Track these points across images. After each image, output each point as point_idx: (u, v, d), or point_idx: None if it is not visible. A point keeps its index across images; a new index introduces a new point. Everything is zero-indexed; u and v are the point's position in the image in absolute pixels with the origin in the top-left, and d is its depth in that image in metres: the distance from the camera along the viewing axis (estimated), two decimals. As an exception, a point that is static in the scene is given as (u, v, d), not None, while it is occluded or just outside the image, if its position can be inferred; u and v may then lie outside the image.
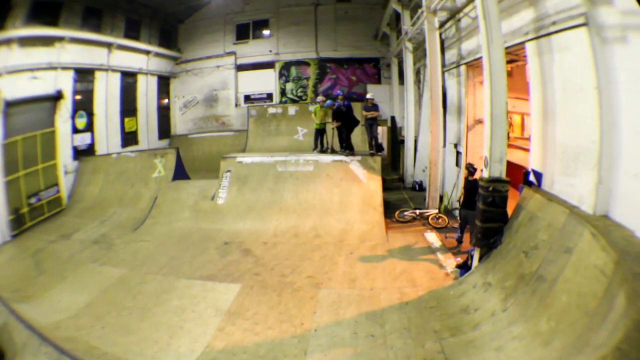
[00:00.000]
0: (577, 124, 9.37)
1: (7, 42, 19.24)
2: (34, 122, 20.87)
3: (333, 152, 20.71)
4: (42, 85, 21.27)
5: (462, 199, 14.79)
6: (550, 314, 7.49)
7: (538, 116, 11.19)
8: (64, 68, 22.64)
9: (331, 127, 20.94)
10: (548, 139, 10.73)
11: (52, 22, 22.25)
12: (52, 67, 21.86)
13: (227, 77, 33.35)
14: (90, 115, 24.90)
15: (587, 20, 8.62)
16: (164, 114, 32.84)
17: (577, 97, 9.22)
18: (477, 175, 14.14)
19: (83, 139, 24.22)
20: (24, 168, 19.83)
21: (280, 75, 33.22)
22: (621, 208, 7.95)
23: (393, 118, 29.31)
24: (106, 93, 26.09)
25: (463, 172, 15.96)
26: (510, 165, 12.03)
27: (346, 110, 20.65)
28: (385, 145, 28.00)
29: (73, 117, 23.39)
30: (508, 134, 11.68)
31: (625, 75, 7.77)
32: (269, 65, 33.37)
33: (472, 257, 11.95)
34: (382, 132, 27.26)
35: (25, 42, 20.26)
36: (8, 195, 18.63)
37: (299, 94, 33.16)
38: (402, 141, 25.98)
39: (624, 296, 5.76)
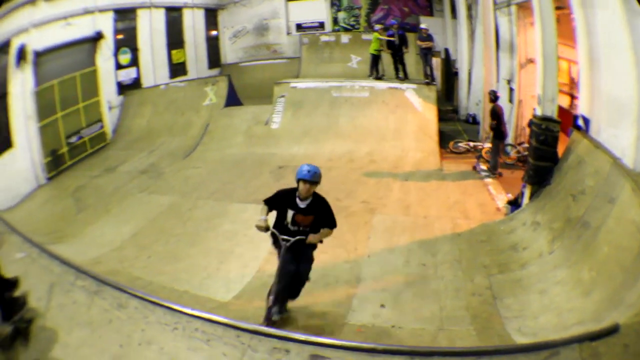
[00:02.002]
0: (618, 77, 9.51)
1: (32, 1, 18.84)
2: (71, 65, 20.79)
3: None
4: (78, 30, 21.03)
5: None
6: (592, 263, 7.76)
7: (585, 64, 11.24)
8: (101, 11, 22.37)
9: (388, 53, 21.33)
10: (594, 88, 10.83)
11: None
12: (88, 12, 21.61)
13: (277, 7, 32.87)
14: (134, 51, 24.80)
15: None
16: (212, 44, 32.61)
17: (617, 52, 9.31)
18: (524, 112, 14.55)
19: (128, 74, 24.29)
20: (62, 110, 19.86)
21: (332, 4, 32.81)
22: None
23: (447, 50, 29.08)
24: (150, 29, 25.91)
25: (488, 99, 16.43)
26: (560, 110, 12.29)
27: (400, 40, 20.82)
28: (439, 76, 27.94)
29: (115, 55, 23.39)
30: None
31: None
32: (320, -6, 32.99)
33: (522, 194, 12.30)
34: (436, 63, 27.19)
35: None
36: (43, 139, 18.64)
37: (352, 23, 32.84)
38: (456, 73, 25.97)
39: None
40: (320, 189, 14.22)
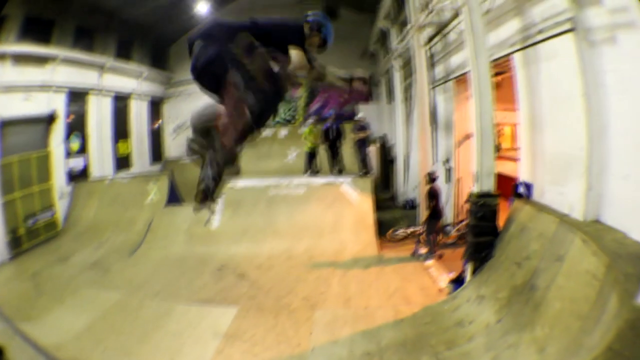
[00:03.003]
0: (565, 132, 9.44)
1: (1, 56, 19.26)
2: (28, 143, 20.88)
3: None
4: (36, 105, 21.16)
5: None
6: (544, 321, 7.52)
7: (527, 127, 11.28)
8: (57, 88, 22.49)
9: (323, 148, 21.29)
10: (537, 149, 10.82)
11: (45, 40, 22.16)
12: (45, 87, 21.73)
13: None
14: (83, 138, 24.71)
15: (574, 25, 8.64)
16: (156, 137, 32.73)
17: (565, 105, 9.27)
18: (463, 188, 14.48)
19: (77, 163, 24.10)
20: (20, 189, 19.92)
21: None
22: (612, 211, 8.01)
23: (383, 137, 29.27)
24: (99, 116, 25.85)
25: (425, 181, 16.57)
26: (504, 178, 12.12)
27: (336, 133, 20.88)
28: (376, 164, 28.06)
29: (67, 140, 23.29)
30: (499, 146, 11.74)
31: (613, 77, 7.80)
32: (259, 87, 33.09)
33: (465, 271, 12.00)
34: (373, 150, 27.33)
35: (19, 59, 20.21)
36: (5, 216, 18.74)
37: (289, 116, 33.14)
38: (392, 160, 26.09)
39: (616, 297, 5.81)
40: (261, 289, 14.14)
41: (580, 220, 8.51)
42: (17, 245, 19.15)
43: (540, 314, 7.78)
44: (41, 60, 21.62)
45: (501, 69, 13.26)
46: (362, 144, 21.55)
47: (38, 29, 21.70)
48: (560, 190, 9.63)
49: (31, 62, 21.02)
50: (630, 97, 7.36)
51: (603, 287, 6.38)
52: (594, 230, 7.82)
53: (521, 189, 11.38)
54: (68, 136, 23.36)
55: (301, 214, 19.27)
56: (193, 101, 31.16)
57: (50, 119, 22.01)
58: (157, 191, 22.37)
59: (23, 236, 19.62)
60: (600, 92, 8.10)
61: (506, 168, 15.08)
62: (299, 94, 32.91)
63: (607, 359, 4.77)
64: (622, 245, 6.99)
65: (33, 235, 20.21)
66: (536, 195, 10.81)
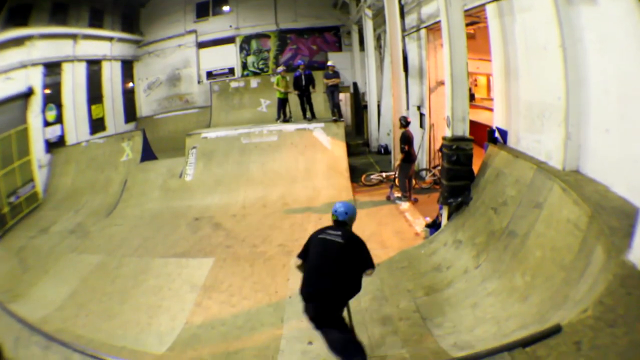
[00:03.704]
0: (540, 81, 9.36)
1: None
2: (8, 121, 20.77)
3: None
4: (16, 84, 21.18)
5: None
6: (525, 268, 7.53)
7: (500, 75, 11.28)
8: (34, 64, 22.49)
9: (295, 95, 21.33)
10: (511, 97, 10.80)
11: (23, 23, 22.29)
12: (23, 66, 21.79)
13: (188, 56, 33.23)
14: (59, 107, 24.64)
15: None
16: (129, 97, 32.51)
17: (540, 55, 9.18)
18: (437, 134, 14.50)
19: (54, 131, 23.98)
20: (3, 168, 19.77)
21: (241, 49, 33.22)
22: (593, 163, 7.94)
23: (355, 84, 29.53)
24: (73, 83, 25.77)
25: (398, 125, 16.54)
26: (478, 126, 12.08)
27: (307, 80, 20.76)
28: (348, 111, 28.08)
29: (43, 111, 23.13)
30: (473, 94, 11.66)
31: (592, 34, 7.65)
32: (229, 40, 33.37)
33: (441, 215, 12.03)
34: (344, 98, 27.28)
35: (1, 46, 20.30)
36: None
37: (261, 67, 33.21)
38: (366, 106, 26.18)
39: (602, 250, 5.75)
40: (236, 238, 14.27)
41: (559, 169, 8.44)
42: (3, 224, 19.02)
43: (520, 262, 7.80)
44: (20, 41, 21.77)
45: (474, 19, 13.19)
46: (332, 91, 21.50)
47: (18, 14, 21.94)
48: (536, 138, 9.60)
49: (11, 45, 21.17)
50: (613, 58, 7.20)
51: (586, 238, 6.33)
52: (574, 180, 7.75)
53: (496, 135, 11.40)
54: (45, 107, 23.31)
55: (274, 162, 19.37)
56: (163, 59, 31.33)
57: (28, 94, 22.00)
58: (131, 149, 22.48)
59: (7, 214, 19.48)
60: (578, 46, 7.98)
61: (482, 117, 15.05)
62: (270, 46, 33.11)
63: (599, 313, 4.74)
64: (604, 198, 6.93)
65: (16, 211, 20.11)
66: (511, 142, 10.84)
